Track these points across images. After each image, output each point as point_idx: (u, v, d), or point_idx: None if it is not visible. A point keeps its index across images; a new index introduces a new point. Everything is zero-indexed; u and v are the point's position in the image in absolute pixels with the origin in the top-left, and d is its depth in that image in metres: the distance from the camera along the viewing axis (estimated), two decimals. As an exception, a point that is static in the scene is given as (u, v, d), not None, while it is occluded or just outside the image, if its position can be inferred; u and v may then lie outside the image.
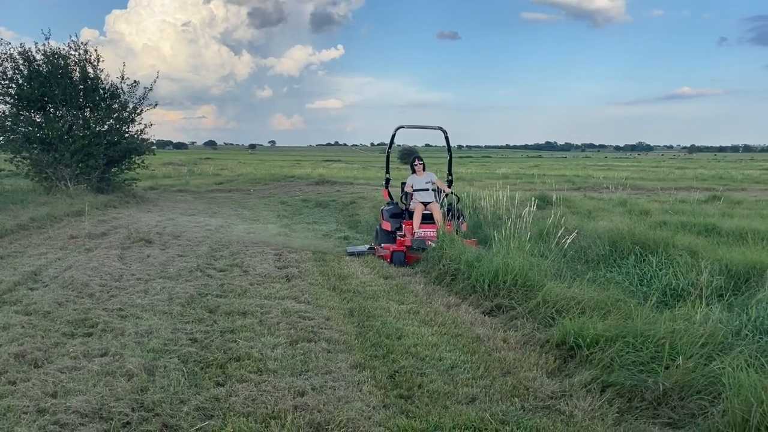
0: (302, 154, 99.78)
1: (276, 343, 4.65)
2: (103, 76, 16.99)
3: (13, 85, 15.87)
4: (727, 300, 5.35)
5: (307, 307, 5.76)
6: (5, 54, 15.75)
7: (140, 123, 17.68)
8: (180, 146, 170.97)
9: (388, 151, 10.36)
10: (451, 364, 4.35)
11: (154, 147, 19.19)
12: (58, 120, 16.13)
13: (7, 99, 15.81)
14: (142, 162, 17.89)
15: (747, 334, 4.40)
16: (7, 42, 16.06)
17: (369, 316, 5.58)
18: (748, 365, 3.46)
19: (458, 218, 9.07)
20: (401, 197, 9.53)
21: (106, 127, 16.99)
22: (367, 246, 9.33)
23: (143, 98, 17.53)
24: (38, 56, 16.10)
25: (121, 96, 17.34)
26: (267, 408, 3.47)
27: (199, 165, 43.49)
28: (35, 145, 15.86)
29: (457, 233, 8.33)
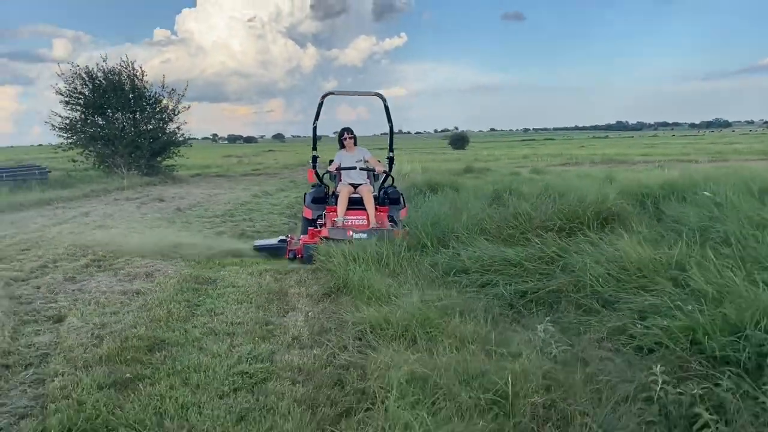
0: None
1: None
2: (148, 86, 22.16)
3: (82, 97, 21.17)
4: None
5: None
6: (76, 74, 21.07)
7: (177, 122, 22.73)
8: (250, 140, 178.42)
9: (314, 124, 8.26)
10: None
11: (190, 140, 24.12)
12: (115, 122, 21.38)
13: (78, 107, 21.15)
14: (178, 152, 22.94)
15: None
16: (77, 65, 21.39)
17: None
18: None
19: (398, 203, 7.94)
20: (329, 176, 8.30)
21: (150, 126, 22.13)
22: (279, 239, 7.60)
23: (178, 102, 22.58)
24: (99, 74, 21.36)
25: (163, 101, 22.45)
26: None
27: (258, 156, 48.69)
28: (98, 142, 21.17)
29: (393, 222, 7.64)
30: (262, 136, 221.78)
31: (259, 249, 7.33)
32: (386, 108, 8.31)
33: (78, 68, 21.21)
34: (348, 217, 7.51)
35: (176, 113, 22.61)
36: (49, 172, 20.18)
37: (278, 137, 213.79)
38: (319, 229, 7.32)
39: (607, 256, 4.71)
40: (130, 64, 21.86)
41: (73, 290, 5.64)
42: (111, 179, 19.25)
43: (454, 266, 5.45)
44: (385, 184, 8.23)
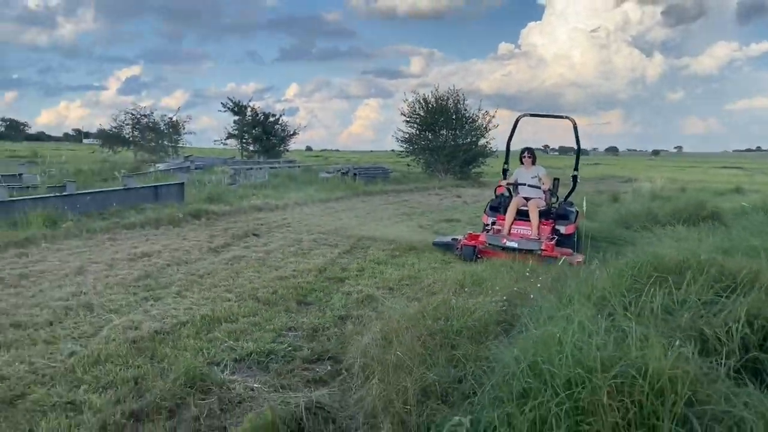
0: (705, 160, 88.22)
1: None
2: (468, 108, 27.97)
3: (418, 117, 27.95)
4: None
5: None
6: (416, 101, 28.01)
7: (486, 137, 28.02)
8: (581, 152, 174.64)
9: (508, 142, 9.66)
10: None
11: (495, 153, 29.13)
12: (440, 137, 27.67)
13: (415, 125, 28.02)
14: (484, 162, 28.15)
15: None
16: (421, 96, 28.22)
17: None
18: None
19: (566, 219, 8.53)
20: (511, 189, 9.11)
21: (466, 140, 27.82)
22: (451, 237, 8.98)
23: (489, 122, 27.84)
24: (431, 99, 27.89)
25: (477, 121, 27.99)
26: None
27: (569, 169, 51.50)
28: (427, 152, 27.71)
29: (557, 236, 8.26)
30: (594, 149, 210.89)
31: (436, 244, 8.82)
32: (575, 131, 9.24)
33: (417, 95, 28.18)
34: (515, 227, 8.35)
35: (487, 130, 27.96)
36: (392, 172, 27.24)
37: (611, 150, 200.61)
38: (474, 233, 8.51)
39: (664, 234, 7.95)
40: (455, 92, 28.00)
41: (378, 226, 10.86)
42: (431, 180, 25.39)
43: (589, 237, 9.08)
44: (567, 200, 9.04)
